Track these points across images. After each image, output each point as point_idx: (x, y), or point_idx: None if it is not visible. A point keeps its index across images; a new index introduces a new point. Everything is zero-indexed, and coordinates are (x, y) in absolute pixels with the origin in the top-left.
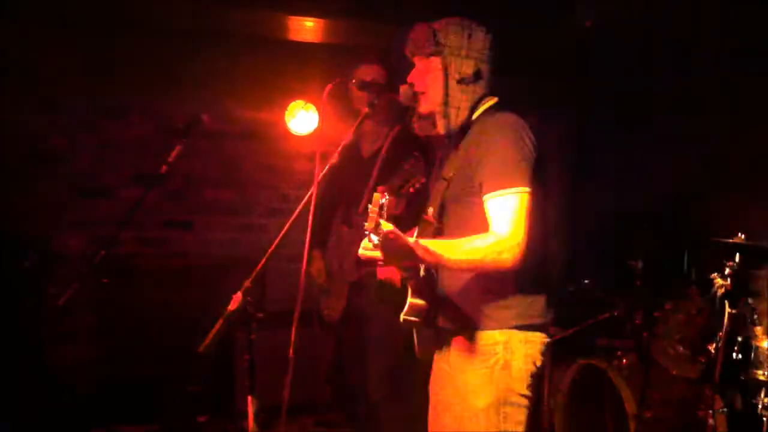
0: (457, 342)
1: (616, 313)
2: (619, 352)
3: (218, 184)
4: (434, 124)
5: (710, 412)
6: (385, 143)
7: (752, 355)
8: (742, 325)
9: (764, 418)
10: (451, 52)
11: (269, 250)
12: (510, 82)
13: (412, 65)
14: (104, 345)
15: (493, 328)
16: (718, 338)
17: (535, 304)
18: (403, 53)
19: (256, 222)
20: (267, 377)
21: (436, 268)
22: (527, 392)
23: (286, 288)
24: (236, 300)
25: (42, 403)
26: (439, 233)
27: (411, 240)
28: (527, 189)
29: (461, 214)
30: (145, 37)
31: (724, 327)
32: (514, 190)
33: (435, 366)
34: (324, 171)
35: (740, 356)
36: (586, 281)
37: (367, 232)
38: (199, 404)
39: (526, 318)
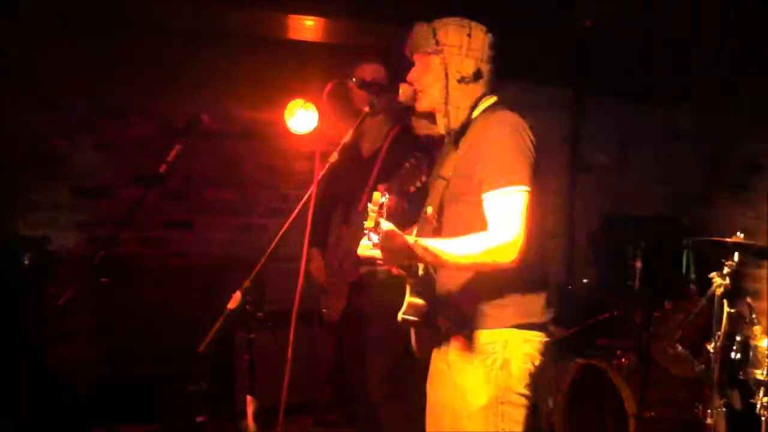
0: (456, 341)
1: (616, 313)
2: (619, 352)
3: (218, 183)
4: (434, 123)
5: (709, 411)
6: (385, 143)
7: (751, 354)
8: (741, 324)
9: (763, 418)
10: (451, 51)
11: (269, 250)
12: (509, 81)
13: (411, 65)
14: (104, 345)
15: (492, 327)
16: (717, 338)
17: (535, 303)
18: (402, 53)
19: (256, 222)
20: (266, 377)
21: (435, 267)
22: (526, 391)
23: (285, 288)
24: (236, 299)
25: (42, 403)
26: (438, 232)
27: (410, 239)
28: (527, 188)
29: (460, 213)
30: (145, 37)
31: (723, 327)
32: (514, 188)
33: (433, 365)
34: (324, 170)
35: (739, 356)
36: (586, 281)
37: (366, 231)
38: (198, 404)
39: (525, 317)
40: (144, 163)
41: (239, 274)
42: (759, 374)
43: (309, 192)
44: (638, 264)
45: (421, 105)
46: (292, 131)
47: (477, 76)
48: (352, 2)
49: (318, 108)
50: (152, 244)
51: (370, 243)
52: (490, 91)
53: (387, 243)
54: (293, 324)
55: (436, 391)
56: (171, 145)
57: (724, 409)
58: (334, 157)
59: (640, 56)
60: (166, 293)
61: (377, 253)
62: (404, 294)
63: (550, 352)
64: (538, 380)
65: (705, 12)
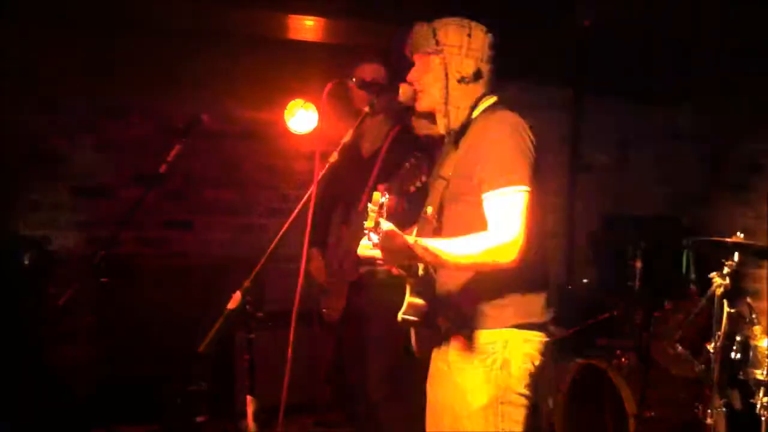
0: (456, 341)
1: (616, 313)
2: (618, 352)
3: (218, 183)
4: (434, 123)
5: (709, 411)
6: (385, 143)
7: (751, 354)
8: (741, 324)
9: (763, 418)
10: (451, 51)
11: (269, 250)
12: (509, 81)
13: (411, 65)
14: (104, 345)
15: (492, 327)
16: (717, 338)
17: (534, 303)
18: (402, 53)
19: (256, 222)
20: (266, 377)
21: (434, 267)
22: (526, 391)
23: (285, 288)
24: (236, 299)
25: (42, 403)
26: (438, 232)
27: (410, 239)
28: (527, 188)
29: (460, 213)
30: (145, 37)
31: (723, 327)
32: (514, 188)
33: (433, 365)
34: (324, 170)
35: (739, 356)
36: (586, 281)
37: (366, 231)
38: (199, 404)
39: (525, 317)
40: (144, 163)
41: (239, 274)
42: (759, 374)
43: (309, 192)
44: (638, 264)
45: (421, 105)
46: (292, 131)
47: (477, 76)
48: (352, 2)
49: (318, 108)
50: (152, 244)
51: (370, 243)
52: (490, 91)
53: (387, 243)
54: (293, 324)
55: (436, 391)
56: (171, 145)
57: (724, 409)
58: (334, 157)
59: (640, 56)
60: (166, 293)
61: (377, 253)
62: (404, 294)
63: (550, 352)
64: (538, 380)
65: (705, 12)
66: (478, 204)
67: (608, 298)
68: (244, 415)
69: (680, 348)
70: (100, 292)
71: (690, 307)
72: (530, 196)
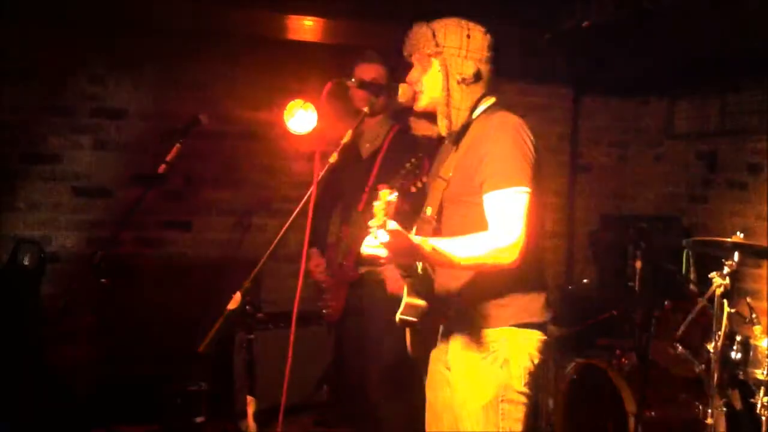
0: (456, 340)
1: (616, 313)
2: (618, 352)
3: (218, 184)
4: (433, 124)
5: (709, 411)
6: (385, 143)
7: (751, 354)
8: (741, 324)
9: (763, 418)
10: (451, 52)
11: (269, 250)
12: (509, 81)
13: (411, 65)
14: (104, 345)
15: (492, 327)
16: (717, 338)
17: (534, 303)
18: (402, 53)
19: (256, 222)
20: (266, 377)
21: (433, 266)
22: (526, 390)
23: (285, 288)
24: (236, 299)
25: (42, 403)
26: (437, 232)
27: (416, 239)
28: (528, 189)
29: (460, 214)
30: (145, 37)
31: (723, 327)
32: (515, 189)
33: (432, 366)
34: (323, 171)
35: (739, 356)
36: (586, 281)
37: (372, 229)
38: (198, 404)
39: (524, 316)
40: (144, 163)
41: (239, 274)
42: (759, 374)
43: (309, 192)
44: (638, 264)
45: (421, 105)
46: (292, 131)
47: (477, 77)
48: (351, 2)
49: (317, 108)
50: (152, 244)
51: (375, 241)
52: (489, 92)
53: (394, 242)
54: (293, 324)
55: (435, 391)
56: (170, 145)
57: (724, 409)
58: (333, 157)
59: (639, 56)
60: (166, 293)
61: (382, 252)
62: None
63: (549, 350)
64: (537, 378)
65: (705, 12)
66: (479, 205)
67: (608, 298)
68: (244, 415)
69: (680, 348)
70: (100, 292)
71: (690, 307)
72: (531, 197)
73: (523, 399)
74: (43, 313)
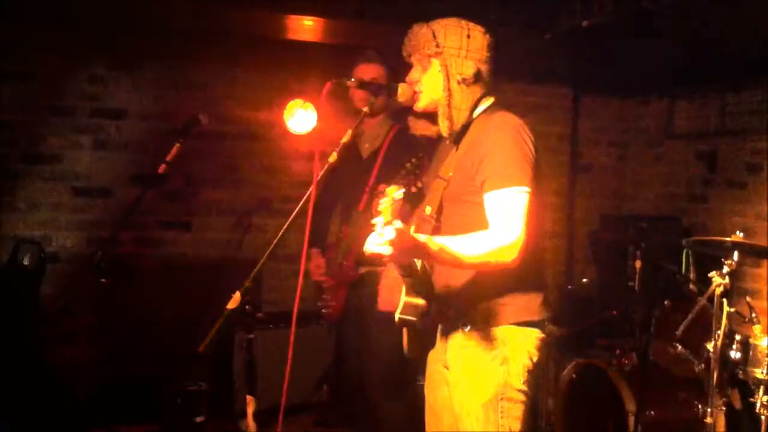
0: (454, 340)
1: (616, 313)
2: (618, 352)
3: (217, 184)
4: (433, 124)
5: (709, 411)
6: (385, 143)
7: (751, 353)
8: (741, 324)
9: (762, 417)
10: (451, 53)
11: (269, 250)
12: (509, 81)
13: (411, 65)
14: (104, 345)
15: (491, 325)
16: (717, 337)
17: (533, 302)
18: (402, 53)
19: (256, 222)
20: (266, 377)
21: (432, 266)
22: (525, 388)
23: (285, 288)
24: (236, 299)
25: (42, 403)
26: (437, 232)
27: (421, 237)
28: (528, 189)
29: (460, 213)
30: (145, 37)
31: (723, 326)
32: (515, 189)
33: (430, 366)
34: (323, 171)
35: (739, 355)
36: (585, 281)
37: (378, 226)
38: (198, 404)
39: (524, 315)
40: (144, 163)
41: (239, 274)
42: (759, 373)
43: (309, 192)
44: (638, 264)
45: (421, 106)
46: (291, 131)
47: (477, 77)
48: (352, 2)
49: (317, 108)
50: (152, 245)
51: (380, 239)
52: (489, 92)
53: (399, 240)
54: (293, 324)
55: (435, 390)
56: (170, 145)
57: (723, 409)
58: (333, 157)
59: (639, 56)
60: (166, 293)
61: (386, 250)
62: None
63: (547, 349)
64: (536, 377)
65: (705, 12)
66: (479, 204)
67: (608, 298)
68: (244, 415)
69: (680, 348)
70: (100, 292)
71: (690, 307)
72: (531, 197)
73: (523, 397)
74: (43, 313)
